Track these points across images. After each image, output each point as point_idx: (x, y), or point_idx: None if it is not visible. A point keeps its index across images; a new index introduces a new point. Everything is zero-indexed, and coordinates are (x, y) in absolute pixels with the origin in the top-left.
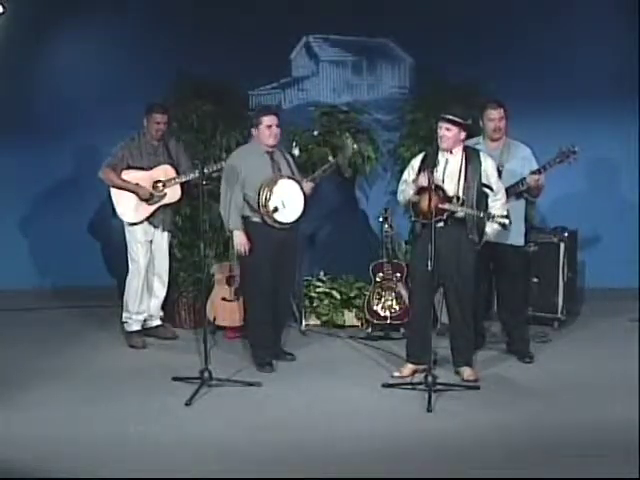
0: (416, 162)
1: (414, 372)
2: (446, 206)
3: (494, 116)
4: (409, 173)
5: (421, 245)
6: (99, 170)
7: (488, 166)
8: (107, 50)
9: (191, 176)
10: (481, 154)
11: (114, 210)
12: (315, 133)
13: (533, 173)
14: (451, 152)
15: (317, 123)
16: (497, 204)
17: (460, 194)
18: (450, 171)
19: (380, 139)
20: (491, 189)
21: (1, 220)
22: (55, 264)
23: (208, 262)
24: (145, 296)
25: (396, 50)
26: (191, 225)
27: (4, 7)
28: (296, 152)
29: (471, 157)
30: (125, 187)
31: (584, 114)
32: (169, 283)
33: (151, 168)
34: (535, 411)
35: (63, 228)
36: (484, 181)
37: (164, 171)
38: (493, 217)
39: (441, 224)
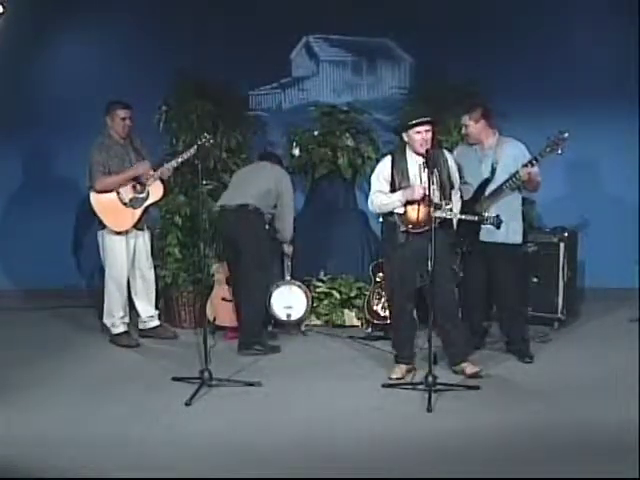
0: (385, 169)
1: (408, 372)
2: (437, 214)
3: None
4: (380, 182)
5: (407, 249)
6: (90, 187)
7: (452, 162)
8: (107, 50)
9: (168, 166)
10: (444, 151)
11: (101, 223)
12: (315, 133)
13: (525, 166)
14: (421, 155)
15: (317, 123)
16: (456, 197)
17: (443, 199)
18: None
19: (380, 139)
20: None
21: None
22: (55, 263)
23: (208, 262)
24: (134, 299)
25: (396, 50)
26: (191, 225)
27: (4, 7)
28: (296, 152)
29: (439, 156)
30: (126, 178)
31: (584, 114)
32: (169, 283)
33: (123, 171)
34: (535, 411)
35: (61, 227)
36: (450, 177)
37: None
38: (487, 219)
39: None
